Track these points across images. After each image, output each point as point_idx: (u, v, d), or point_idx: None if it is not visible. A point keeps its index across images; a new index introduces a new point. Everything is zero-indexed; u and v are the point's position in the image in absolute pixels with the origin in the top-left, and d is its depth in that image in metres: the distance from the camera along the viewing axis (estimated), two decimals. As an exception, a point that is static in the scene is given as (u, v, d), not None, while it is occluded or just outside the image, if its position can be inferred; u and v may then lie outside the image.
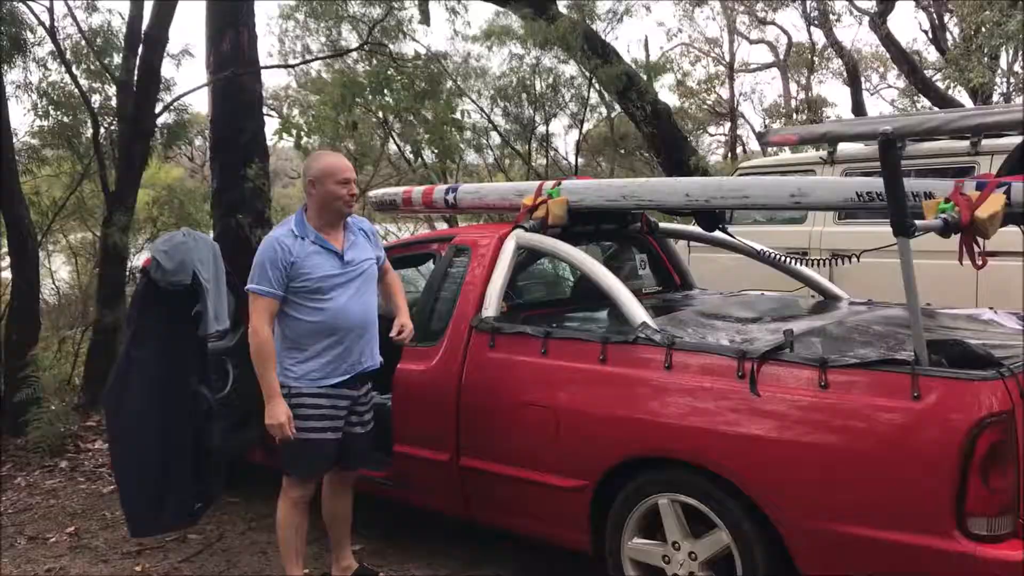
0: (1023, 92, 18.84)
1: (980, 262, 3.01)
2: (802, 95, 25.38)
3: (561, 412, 3.42)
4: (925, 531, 2.68)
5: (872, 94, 28.31)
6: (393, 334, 3.63)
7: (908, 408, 2.71)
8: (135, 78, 6.93)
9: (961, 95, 19.43)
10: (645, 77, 10.89)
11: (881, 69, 27.34)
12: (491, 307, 3.80)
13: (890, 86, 27.47)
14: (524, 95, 11.07)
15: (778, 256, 4.27)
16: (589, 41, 9.41)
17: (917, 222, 2.93)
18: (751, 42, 26.65)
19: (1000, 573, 2.59)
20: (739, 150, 24.73)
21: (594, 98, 11.99)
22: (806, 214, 6.98)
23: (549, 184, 4.19)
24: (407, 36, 10.06)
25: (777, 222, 7.58)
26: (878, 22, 18.37)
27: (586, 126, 13.42)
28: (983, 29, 17.98)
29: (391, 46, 9.52)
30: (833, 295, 4.50)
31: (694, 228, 4.35)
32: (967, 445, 2.60)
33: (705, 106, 24.42)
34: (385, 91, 7.74)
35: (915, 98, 23.17)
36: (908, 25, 68.66)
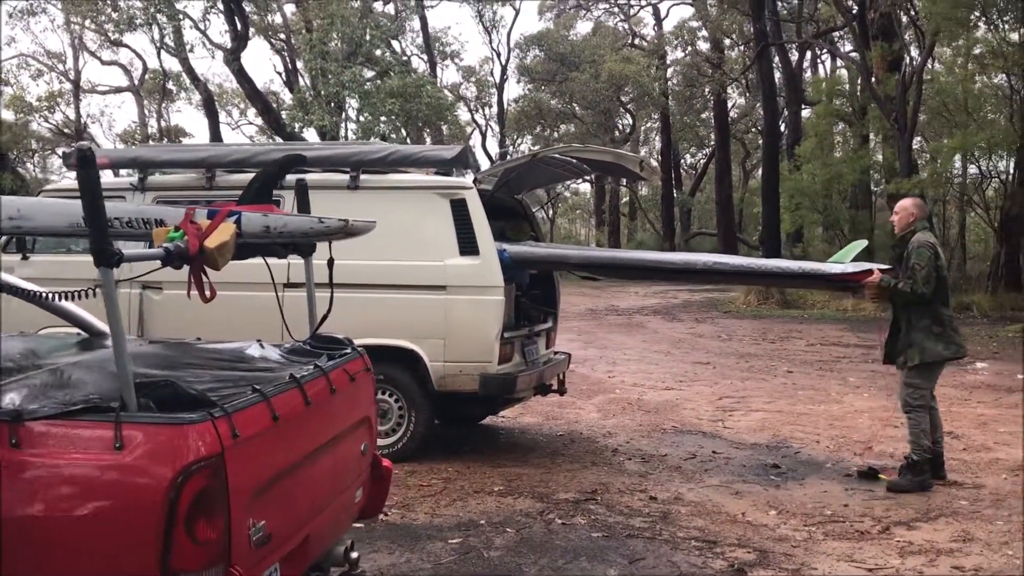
0: (364, 136, 20.82)
1: (209, 294, 2.85)
2: (159, 122, 24.84)
3: None
4: (131, 600, 2.37)
5: (234, 128, 29.04)
6: None
7: (110, 462, 2.38)
8: None
9: (312, 134, 20.85)
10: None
11: (242, 105, 28.19)
12: None
13: (250, 122, 28.47)
14: None
15: (30, 291, 3.69)
16: None
17: (140, 251, 2.70)
18: (103, 63, 25.34)
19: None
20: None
21: None
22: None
23: None
24: None
25: (85, 252, 6.95)
26: (230, 58, 18.74)
27: None
28: (328, 77, 19.54)
29: None
30: (99, 331, 4.06)
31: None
32: (172, 496, 2.36)
33: (48, 124, 22.36)
34: None
35: (272, 135, 24.29)
36: (268, 66, 72.71)
